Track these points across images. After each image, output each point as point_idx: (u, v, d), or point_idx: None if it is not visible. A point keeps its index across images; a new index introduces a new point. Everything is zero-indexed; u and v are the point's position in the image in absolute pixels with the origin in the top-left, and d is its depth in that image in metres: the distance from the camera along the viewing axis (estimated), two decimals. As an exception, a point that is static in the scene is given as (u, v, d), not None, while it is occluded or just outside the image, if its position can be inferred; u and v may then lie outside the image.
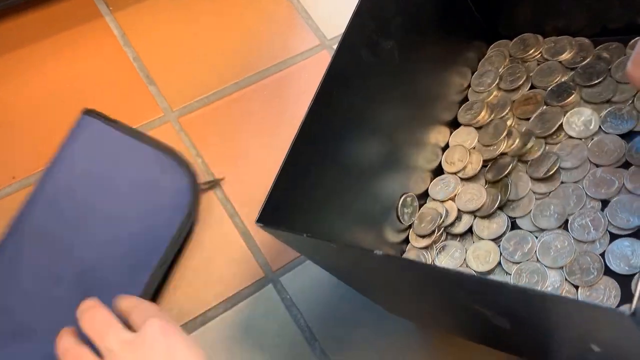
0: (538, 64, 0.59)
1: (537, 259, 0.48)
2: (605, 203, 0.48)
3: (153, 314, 0.41)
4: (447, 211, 0.53)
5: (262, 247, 0.58)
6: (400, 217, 0.53)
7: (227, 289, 0.56)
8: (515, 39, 0.62)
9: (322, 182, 0.46)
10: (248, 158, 0.63)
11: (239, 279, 0.57)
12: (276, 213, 0.40)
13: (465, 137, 0.58)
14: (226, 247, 0.58)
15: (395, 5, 0.51)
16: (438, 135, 0.57)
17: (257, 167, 0.62)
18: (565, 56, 0.58)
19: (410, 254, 0.53)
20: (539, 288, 0.45)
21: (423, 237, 0.52)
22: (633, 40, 0.54)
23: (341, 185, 0.47)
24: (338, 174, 0.47)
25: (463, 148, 0.56)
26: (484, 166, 0.55)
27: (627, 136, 0.51)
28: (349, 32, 0.46)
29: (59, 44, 0.67)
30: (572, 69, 0.57)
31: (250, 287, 0.57)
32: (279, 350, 0.53)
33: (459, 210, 0.53)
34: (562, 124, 0.54)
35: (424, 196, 0.55)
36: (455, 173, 0.56)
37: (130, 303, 0.44)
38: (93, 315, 0.42)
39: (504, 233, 0.50)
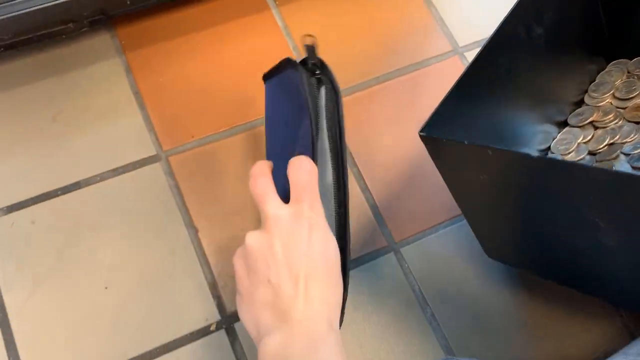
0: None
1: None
2: None
3: (310, 198, 0.47)
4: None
5: (388, 220, 0.69)
6: None
7: (352, 253, 0.67)
8: (635, 59, 0.69)
9: (476, 121, 0.56)
10: (382, 143, 0.74)
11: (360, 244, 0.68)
12: (437, 129, 0.50)
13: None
14: (355, 216, 0.69)
15: (551, 3, 0.60)
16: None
17: (391, 152, 0.73)
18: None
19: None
20: None
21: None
22: None
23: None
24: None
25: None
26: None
27: None
28: (515, 9, 0.56)
29: (234, 31, 0.80)
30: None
31: (372, 254, 0.68)
32: (395, 310, 0.64)
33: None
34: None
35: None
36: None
37: (303, 183, 0.48)
38: (256, 181, 0.49)
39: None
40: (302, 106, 0.55)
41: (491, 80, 0.57)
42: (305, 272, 0.44)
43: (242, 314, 0.47)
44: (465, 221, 0.61)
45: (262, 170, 0.50)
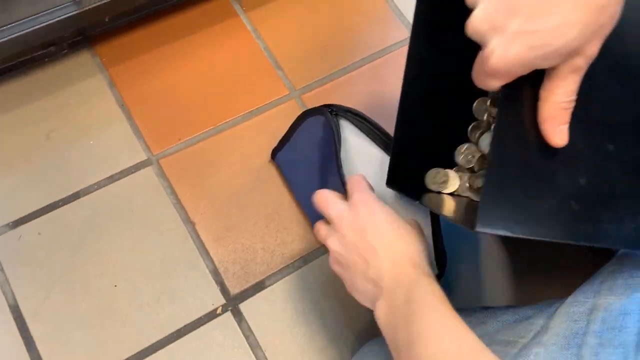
0: None
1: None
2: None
3: (358, 189, 0.56)
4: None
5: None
6: None
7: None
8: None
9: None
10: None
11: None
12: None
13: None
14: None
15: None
16: None
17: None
18: None
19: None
20: None
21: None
22: None
23: None
24: None
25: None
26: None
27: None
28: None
29: (207, 37, 0.85)
30: None
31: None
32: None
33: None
34: None
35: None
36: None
37: (352, 183, 0.57)
38: (320, 195, 0.58)
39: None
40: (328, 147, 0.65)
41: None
42: (379, 241, 0.51)
43: (358, 299, 0.54)
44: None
45: (322, 190, 0.59)
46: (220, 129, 0.80)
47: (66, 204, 0.74)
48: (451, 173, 0.60)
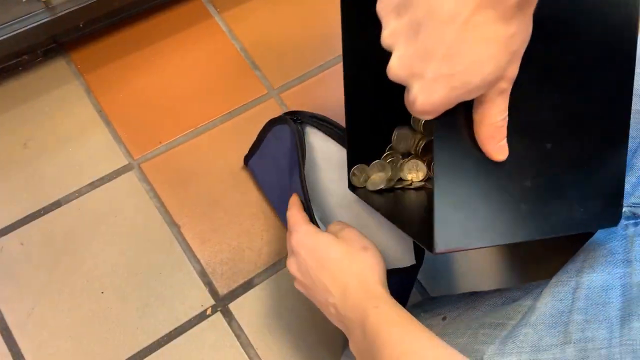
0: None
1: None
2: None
3: (293, 230, 0.56)
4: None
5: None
6: None
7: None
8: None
9: None
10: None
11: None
12: None
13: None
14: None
15: None
16: None
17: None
18: None
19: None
20: None
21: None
22: None
23: None
24: None
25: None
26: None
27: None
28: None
29: (183, 40, 0.85)
30: None
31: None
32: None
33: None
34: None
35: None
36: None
37: (288, 221, 0.58)
38: (289, 214, 0.58)
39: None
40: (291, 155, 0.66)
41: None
42: (327, 277, 0.52)
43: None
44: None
45: (289, 211, 0.59)
46: (200, 130, 0.80)
47: (47, 212, 0.73)
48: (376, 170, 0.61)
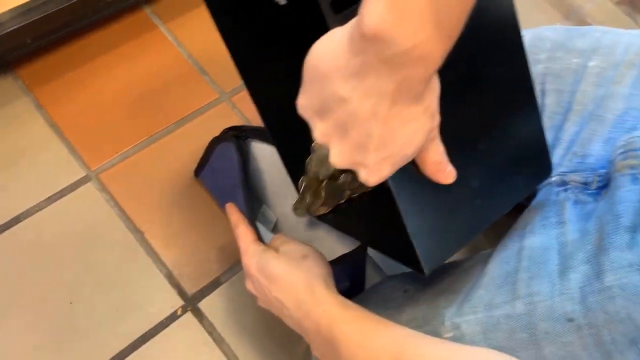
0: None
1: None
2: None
3: (242, 252, 0.58)
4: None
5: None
6: None
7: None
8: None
9: None
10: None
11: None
12: None
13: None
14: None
15: None
16: None
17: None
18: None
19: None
20: None
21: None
22: None
23: None
24: None
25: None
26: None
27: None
28: None
29: (130, 50, 0.87)
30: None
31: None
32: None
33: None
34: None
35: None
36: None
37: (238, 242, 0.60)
38: (236, 234, 0.60)
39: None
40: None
41: None
42: (279, 291, 0.54)
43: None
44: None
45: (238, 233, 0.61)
46: (155, 137, 0.81)
47: (7, 229, 0.73)
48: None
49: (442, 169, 0.45)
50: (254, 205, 0.72)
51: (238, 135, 0.69)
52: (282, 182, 0.67)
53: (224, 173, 0.73)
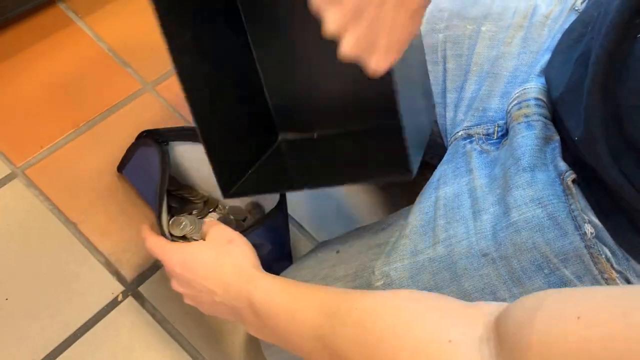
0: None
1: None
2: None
3: (156, 254, 0.59)
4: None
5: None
6: None
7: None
8: None
9: None
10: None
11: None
12: None
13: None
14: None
15: None
16: None
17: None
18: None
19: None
20: None
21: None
22: None
23: None
24: None
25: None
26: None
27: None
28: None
29: (48, 47, 0.86)
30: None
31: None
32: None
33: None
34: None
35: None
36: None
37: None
38: (147, 246, 0.60)
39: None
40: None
41: None
42: (203, 274, 0.56)
43: (224, 318, 0.58)
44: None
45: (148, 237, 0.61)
46: (80, 130, 0.81)
47: None
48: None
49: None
50: (174, 208, 0.75)
51: (158, 140, 0.70)
52: (208, 174, 0.70)
53: (145, 174, 0.75)
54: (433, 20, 0.69)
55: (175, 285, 0.59)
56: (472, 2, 0.69)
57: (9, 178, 0.76)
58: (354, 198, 0.85)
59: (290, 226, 0.80)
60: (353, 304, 0.46)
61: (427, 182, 0.63)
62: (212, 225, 0.60)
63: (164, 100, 0.87)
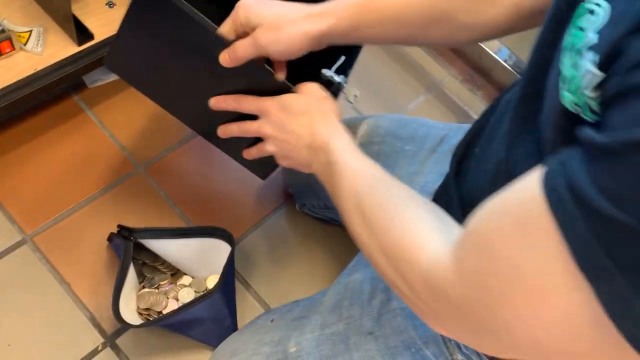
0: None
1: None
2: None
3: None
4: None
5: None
6: None
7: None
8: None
9: None
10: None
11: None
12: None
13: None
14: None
15: None
16: None
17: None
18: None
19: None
20: None
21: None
22: None
23: None
24: None
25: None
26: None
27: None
28: None
29: (61, 133, 1.05)
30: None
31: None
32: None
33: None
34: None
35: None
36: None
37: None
38: (232, 99, 0.70)
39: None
40: None
41: None
42: (299, 117, 0.66)
43: (301, 169, 0.69)
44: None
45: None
46: (82, 204, 0.99)
47: (-46, 287, 0.88)
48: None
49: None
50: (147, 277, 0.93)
51: (126, 237, 0.88)
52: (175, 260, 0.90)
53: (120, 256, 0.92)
54: (372, 134, 0.85)
55: (267, 128, 0.68)
56: (403, 124, 0.85)
57: (19, 244, 0.94)
58: (291, 275, 0.99)
59: (245, 292, 0.95)
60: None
61: (345, 269, 0.78)
62: (307, 83, 0.69)
63: (153, 181, 1.04)
